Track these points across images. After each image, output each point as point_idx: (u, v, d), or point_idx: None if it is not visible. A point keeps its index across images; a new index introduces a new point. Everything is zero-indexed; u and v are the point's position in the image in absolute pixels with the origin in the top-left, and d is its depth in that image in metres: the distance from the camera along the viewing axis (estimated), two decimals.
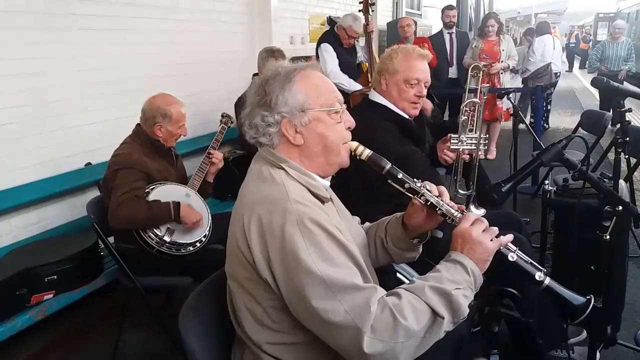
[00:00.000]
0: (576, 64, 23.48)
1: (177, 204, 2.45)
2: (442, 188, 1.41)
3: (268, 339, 1.29)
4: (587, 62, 6.68)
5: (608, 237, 1.83)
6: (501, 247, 1.30)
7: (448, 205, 1.37)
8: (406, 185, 1.37)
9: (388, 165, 1.38)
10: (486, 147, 2.41)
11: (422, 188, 1.37)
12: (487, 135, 2.31)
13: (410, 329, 1.12)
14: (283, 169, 1.31)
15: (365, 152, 1.39)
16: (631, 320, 2.69)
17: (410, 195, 1.39)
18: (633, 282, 3.10)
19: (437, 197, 1.37)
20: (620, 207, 1.77)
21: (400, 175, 1.38)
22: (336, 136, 1.36)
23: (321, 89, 1.36)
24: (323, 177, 1.40)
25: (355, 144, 1.40)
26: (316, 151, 1.35)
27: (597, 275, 1.92)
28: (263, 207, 1.22)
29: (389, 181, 1.39)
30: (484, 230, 1.29)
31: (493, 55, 5.99)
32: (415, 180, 1.39)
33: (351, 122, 1.42)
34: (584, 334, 2.42)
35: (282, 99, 1.31)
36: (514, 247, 1.32)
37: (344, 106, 1.40)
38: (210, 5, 4.77)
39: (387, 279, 1.83)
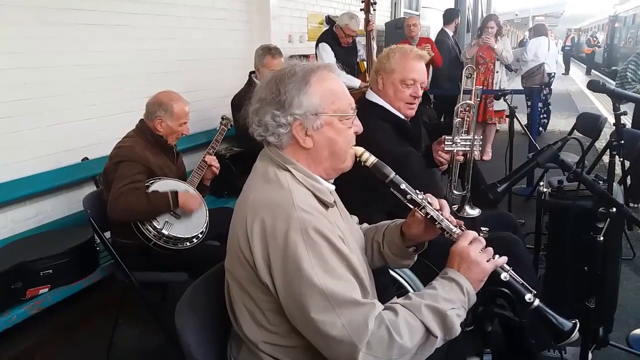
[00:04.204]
0: (574, 68, 23.26)
1: (175, 193, 2.46)
2: (443, 202, 1.41)
3: (265, 339, 1.29)
4: (617, 77, 4.90)
5: (602, 238, 1.84)
6: (497, 267, 1.31)
7: (448, 220, 1.37)
8: (408, 197, 1.37)
9: (392, 174, 1.37)
10: (481, 149, 2.42)
11: (423, 200, 1.37)
12: (482, 137, 2.32)
13: (405, 346, 1.14)
14: (289, 171, 1.30)
15: (371, 159, 1.38)
16: (623, 321, 2.71)
17: (411, 206, 1.39)
18: (625, 284, 3.12)
19: (437, 210, 1.37)
20: (614, 209, 1.79)
21: (403, 186, 1.37)
22: (344, 141, 1.35)
23: (337, 94, 1.34)
24: (326, 180, 1.39)
25: (360, 149, 1.38)
26: (324, 155, 1.34)
27: (590, 277, 1.93)
28: (267, 211, 1.21)
29: (392, 189, 1.39)
30: (481, 250, 1.30)
31: (489, 55, 6.02)
32: (417, 192, 1.38)
33: (359, 127, 1.41)
34: (577, 334, 2.44)
35: (297, 100, 1.28)
36: (507, 267, 1.33)
37: (355, 111, 1.38)
38: (209, 2, 4.77)
39: (380, 277, 1.84)
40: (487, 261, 1.29)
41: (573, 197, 2.05)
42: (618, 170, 2.86)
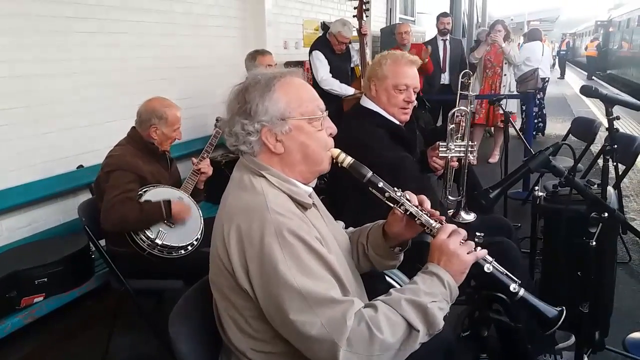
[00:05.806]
0: (570, 72, 23.03)
1: (168, 202, 2.45)
2: (423, 197, 1.41)
3: (252, 347, 1.29)
4: None
5: (594, 243, 1.84)
6: (478, 259, 1.31)
7: (427, 215, 1.37)
8: (386, 194, 1.38)
9: (369, 174, 1.38)
10: (475, 155, 2.43)
11: (402, 197, 1.37)
12: (476, 143, 2.32)
13: (386, 342, 1.13)
14: (264, 176, 1.31)
15: (347, 160, 1.38)
16: (619, 325, 2.70)
17: (391, 204, 1.39)
18: (622, 287, 3.12)
19: (416, 206, 1.37)
20: (606, 214, 1.79)
21: (380, 184, 1.38)
22: (317, 144, 1.35)
23: (302, 97, 1.34)
24: (304, 184, 1.39)
25: (337, 151, 1.39)
26: (297, 159, 1.34)
27: (585, 281, 1.94)
28: (242, 217, 1.22)
29: (370, 189, 1.39)
30: (461, 243, 1.30)
31: (497, 59, 6.07)
32: (395, 189, 1.39)
33: (333, 129, 1.40)
34: (572, 339, 2.44)
35: (262, 107, 1.29)
36: (490, 259, 1.33)
37: (325, 113, 1.39)
38: (204, 9, 4.79)
39: (377, 284, 1.84)
40: (468, 253, 1.29)
41: (566, 202, 2.05)
42: (612, 174, 2.86)
